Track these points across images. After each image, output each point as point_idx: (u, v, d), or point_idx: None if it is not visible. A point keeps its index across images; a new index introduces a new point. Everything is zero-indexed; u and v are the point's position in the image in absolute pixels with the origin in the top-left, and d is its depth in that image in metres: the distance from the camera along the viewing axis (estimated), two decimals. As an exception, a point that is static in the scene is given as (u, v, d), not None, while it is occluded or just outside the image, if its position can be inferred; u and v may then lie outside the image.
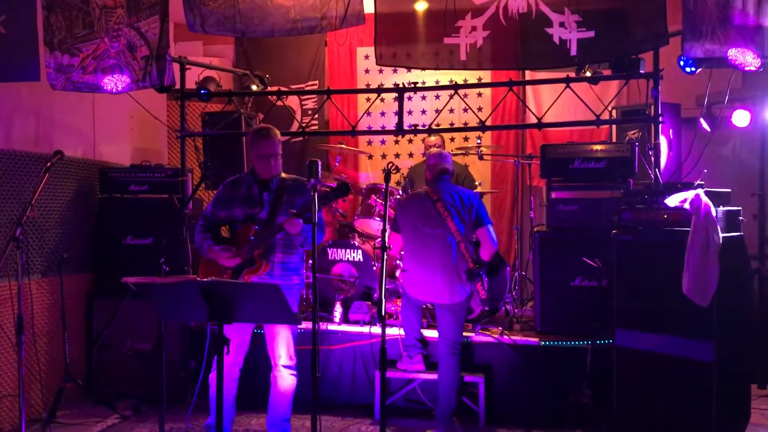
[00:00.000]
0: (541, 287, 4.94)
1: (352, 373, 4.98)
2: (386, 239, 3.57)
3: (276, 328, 3.99)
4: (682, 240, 3.81)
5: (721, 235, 3.76)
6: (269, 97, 6.40)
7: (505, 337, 4.79)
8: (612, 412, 4.26)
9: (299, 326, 4.90)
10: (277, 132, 4.08)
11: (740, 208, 4.29)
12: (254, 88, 5.98)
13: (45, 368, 4.82)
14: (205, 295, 2.78)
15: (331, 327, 5.07)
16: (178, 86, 5.49)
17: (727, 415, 3.90)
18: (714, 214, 3.75)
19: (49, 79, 4.90)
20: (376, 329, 4.91)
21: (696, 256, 3.74)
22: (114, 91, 5.02)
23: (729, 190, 4.35)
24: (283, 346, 3.99)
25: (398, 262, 5.37)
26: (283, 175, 4.08)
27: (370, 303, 5.21)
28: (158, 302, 3.02)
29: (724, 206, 4.04)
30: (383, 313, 3.32)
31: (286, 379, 4.00)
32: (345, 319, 5.16)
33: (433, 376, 4.61)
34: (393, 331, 4.83)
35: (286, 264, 3.99)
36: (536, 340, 4.74)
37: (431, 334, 4.80)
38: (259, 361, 4.82)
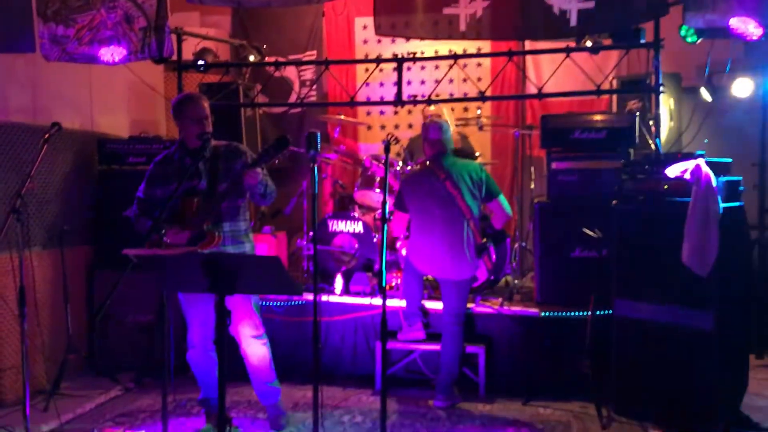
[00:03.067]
0: (541, 258, 4.95)
1: (353, 345, 5.02)
2: (387, 211, 3.56)
3: (237, 301, 3.85)
4: (682, 210, 3.81)
5: (721, 204, 3.76)
6: (267, 67, 6.35)
7: (505, 308, 4.82)
8: (611, 382, 4.30)
9: (301, 298, 4.96)
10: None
11: (740, 177, 4.29)
12: (252, 58, 5.93)
13: (48, 340, 4.84)
14: (205, 267, 2.78)
15: (332, 299, 5.09)
16: (175, 57, 5.45)
17: (725, 384, 3.93)
18: (714, 184, 3.75)
19: (43, 49, 4.85)
20: (377, 301, 4.94)
21: (696, 225, 3.75)
22: (111, 62, 4.98)
23: (729, 159, 4.34)
24: (246, 319, 3.90)
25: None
26: (214, 142, 3.91)
27: (370, 274, 5.23)
28: (159, 274, 3.02)
29: (724, 176, 4.04)
30: (384, 284, 3.34)
31: (258, 349, 3.94)
32: (346, 291, 5.18)
33: (434, 347, 4.65)
34: (394, 303, 4.85)
35: (236, 232, 3.86)
36: (536, 310, 4.77)
37: (433, 305, 4.82)
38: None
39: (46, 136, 3.80)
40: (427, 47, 6.89)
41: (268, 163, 3.66)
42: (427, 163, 4.66)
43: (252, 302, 3.92)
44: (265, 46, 6.02)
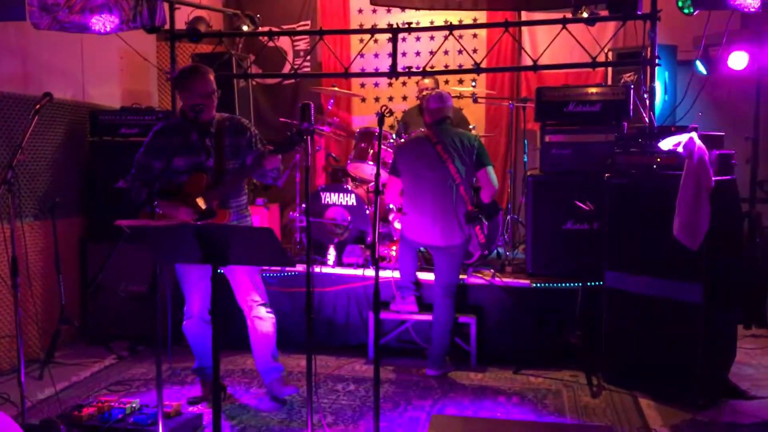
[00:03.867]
0: (533, 230, 4.97)
1: (346, 315, 5.06)
2: (380, 183, 3.54)
3: (244, 271, 3.90)
4: (674, 183, 3.83)
5: (713, 178, 3.77)
6: (260, 37, 6.29)
7: (497, 279, 4.85)
8: (601, 352, 4.36)
9: (294, 269, 5.00)
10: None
11: (733, 151, 4.30)
12: (245, 28, 5.87)
13: (41, 310, 4.86)
14: (198, 238, 2.79)
15: (325, 270, 5.12)
16: (167, 27, 5.39)
17: (714, 354, 3.99)
18: (707, 157, 3.76)
19: (32, 17, 4.78)
20: (370, 272, 4.97)
21: (687, 199, 3.76)
22: (102, 31, 4.91)
23: (722, 133, 4.35)
24: (257, 286, 3.95)
25: (391, 206, 5.38)
26: (217, 116, 3.86)
27: (363, 246, 5.25)
28: (152, 245, 3.03)
29: (717, 149, 4.05)
30: (377, 255, 3.35)
31: (267, 319, 3.99)
32: (339, 263, 5.21)
33: (426, 317, 4.69)
34: (386, 274, 4.89)
35: (240, 207, 3.93)
36: (527, 282, 4.80)
37: (426, 276, 4.85)
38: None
39: (37, 106, 3.76)
40: (422, 17, 6.83)
41: (290, 150, 3.65)
42: (422, 130, 4.68)
43: (258, 272, 3.96)
44: (258, 16, 5.95)
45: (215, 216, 3.70)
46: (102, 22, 4.86)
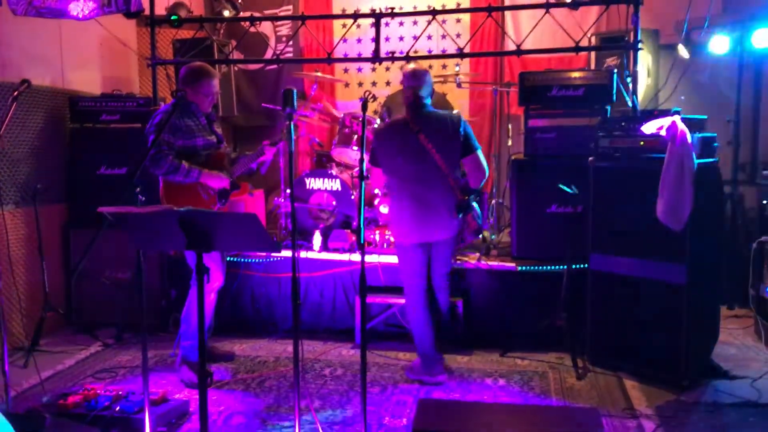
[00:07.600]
0: (517, 214, 5.00)
1: (333, 300, 5.06)
2: (364, 168, 3.48)
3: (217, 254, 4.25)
4: (657, 166, 3.85)
5: (695, 161, 3.80)
6: (242, 23, 6.23)
7: (483, 262, 4.87)
8: (586, 334, 4.40)
9: (278, 254, 4.98)
10: None
11: (715, 134, 4.33)
12: (226, 13, 5.81)
13: (24, 298, 4.82)
14: (182, 225, 2.77)
15: (311, 255, 5.10)
16: (147, 12, 5.32)
17: (697, 335, 4.04)
18: (689, 140, 3.78)
19: (10, 3, 4.70)
20: (356, 256, 4.96)
21: (671, 182, 3.79)
22: (80, 17, 4.84)
23: (705, 116, 4.38)
24: (223, 270, 4.31)
25: (376, 191, 5.37)
26: None
27: (348, 231, 5.24)
28: (135, 232, 3.00)
29: (699, 133, 4.08)
30: (362, 240, 3.33)
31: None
32: (324, 248, 5.19)
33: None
34: (372, 258, 4.89)
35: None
36: (513, 265, 4.82)
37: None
38: (241, 289, 4.91)
39: (15, 93, 3.70)
40: (405, 2, 6.79)
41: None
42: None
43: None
44: (240, 1, 5.90)
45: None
46: (80, 8, 4.80)
